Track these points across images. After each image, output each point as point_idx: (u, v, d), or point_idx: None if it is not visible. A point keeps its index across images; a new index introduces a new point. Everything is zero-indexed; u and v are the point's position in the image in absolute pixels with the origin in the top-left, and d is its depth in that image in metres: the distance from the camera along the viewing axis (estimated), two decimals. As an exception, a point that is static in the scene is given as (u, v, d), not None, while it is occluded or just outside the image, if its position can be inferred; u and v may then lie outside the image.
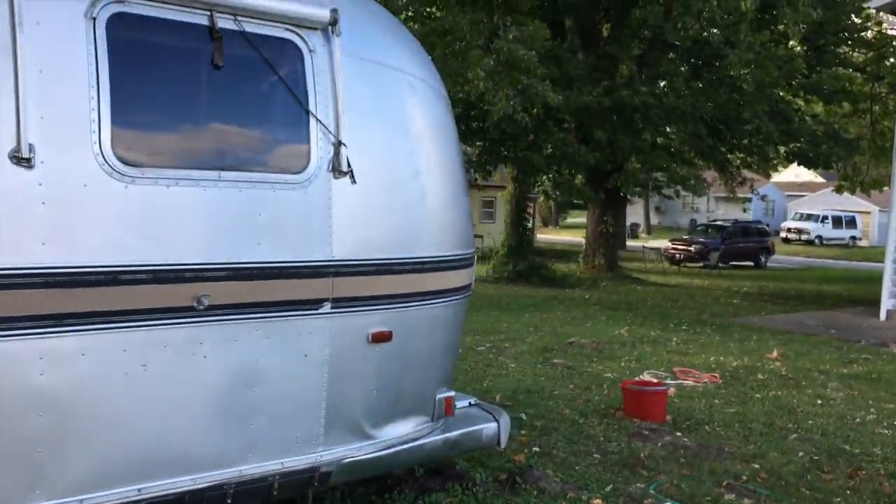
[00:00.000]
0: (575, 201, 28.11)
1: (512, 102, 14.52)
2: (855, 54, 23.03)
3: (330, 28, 3.74)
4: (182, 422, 3.41)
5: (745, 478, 5.42)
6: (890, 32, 22.29)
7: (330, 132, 3.72)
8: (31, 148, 2.97)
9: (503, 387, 7.79)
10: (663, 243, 32.37)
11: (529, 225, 23.70)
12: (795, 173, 54.72)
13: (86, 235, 3.11)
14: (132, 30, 3.27)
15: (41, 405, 3.06)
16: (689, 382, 8.39)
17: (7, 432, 3.00)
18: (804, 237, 47.73)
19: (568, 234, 47.05)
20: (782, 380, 8.75)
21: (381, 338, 3.93)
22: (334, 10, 3.72)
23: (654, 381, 7.81)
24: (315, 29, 3.72)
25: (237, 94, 3.60)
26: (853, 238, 48.74)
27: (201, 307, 3.36)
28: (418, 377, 4.22)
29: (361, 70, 3.93)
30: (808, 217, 49.43)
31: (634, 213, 49.90)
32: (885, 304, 14.80)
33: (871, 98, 22.68)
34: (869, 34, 22.06)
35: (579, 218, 42.72)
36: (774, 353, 10.28)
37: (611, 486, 5.16)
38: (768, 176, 35.41)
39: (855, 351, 11.12)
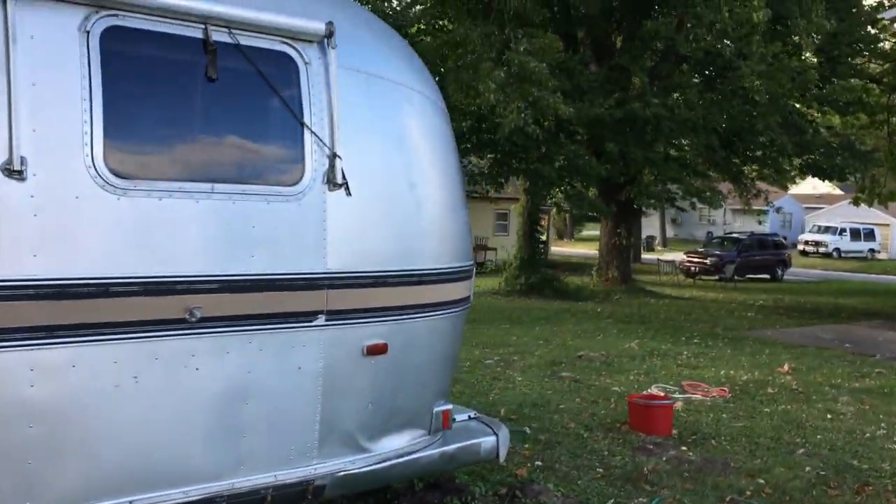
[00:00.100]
0: (589, 214, 28.01)
1: (523, 115, 14.52)
2: (872, 65, 22.87)
3: (325, 41, 3.75)
4: (174, 434, 3.41)
5: (749, 493, 5.36)
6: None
7: (325, 144, 3.72)
8: (23, 160, 2.98)
9: (509, 400, 7.75)
10: (679, 256, 32.21)
11: (543, 238, 23.68)
12: (813, 185, 54.27)
13: (77, 247, 3.12)
14: (126, 43, 3.29)
15: (32, 416, 3.07)
16: (698, 396, 8.31)
17: (-2, 443, 3.01)
18: (822, 250, 47.29)
19: (583, 246, 46.89)
20: (792, 394, 8.66)
21: (376, 350, 3.91)
22: (329, 23, 3.73)
23: (661, 394, 7.74)
24: (310, 41, 3.73)
25: (231, 107, 3.60)
26: (872, 251, 48.25)
27: (193, 319, 3.37)
28: (415, 390, 4.20)
29: (357, 82, 3.94)
30: (826, 229, 49.01)
31: (650, 226, 49.73)
32: (903, 317, 14.63)
33: (888, 109, 22.48)
34: (886, 45, 21.90)
35: (594, 230, 42.58)
36: (786, 367, 10.18)
37: (612, 500, 5.11)
38: (785, 188, 35.23)
39: (868, 365, 10.99)
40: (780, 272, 31.69)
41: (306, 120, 3.68)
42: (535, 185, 19.64)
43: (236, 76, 3.55)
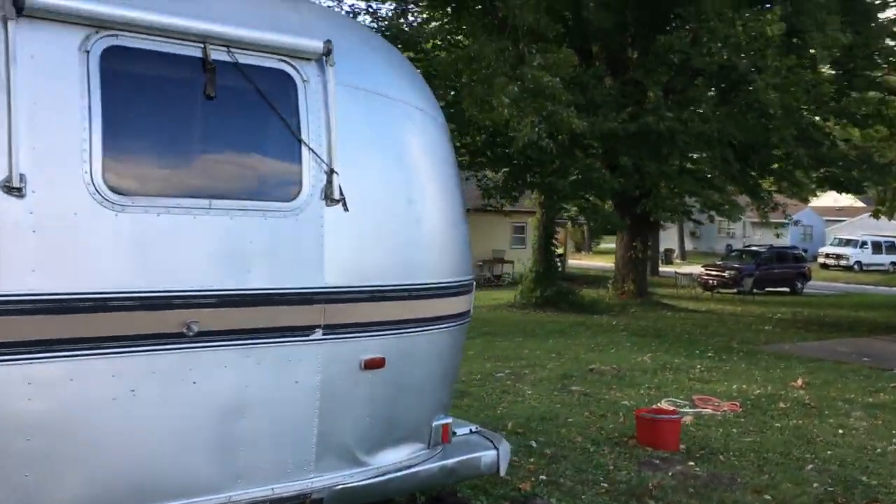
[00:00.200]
0: (606, 226, 27.94)
1: (537, 129, 14.55)
2: (892, 78, 22.66)
3: (324, 58, 3.80)
4: (171, 448, 3.44)
5: (754, 509, 5.33)
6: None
7: (322, 160, 3.76)
8: (22, 178, 3.04)
9: (517, 414, 7.74)
10: (697, 269, 32.02)
11: (560, 251, 23.63)
12: (834, 198, 53.75)
13: (76, 263, 3.17)
14: (125, 62, 3.35)
15: (30, 430, 3.11)
16: (708, 410, 8.26)
17: (-5, 456, 3.06)
18: (843, 263, 46.81)
19: (601, 259, 46.69)
20: (804, 408, 8.59)
21: (374, 364, 3.94)
22: (328, 41, 3.78)
23: (669, 408, 7.71)
24: (308, 59, 3.78)
25: (229, 124, 3.66)
26: (894, 264, 47.70)
27: (191, 333, 3.41)
28: (413, 404, 4.22)
29: (356, 99, 3.98)
30: (847, 242, 48.54)
31: (669, 239, 49.44)
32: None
33: (908, 122, 22.27)
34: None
35: (612, 243, 42.44)
36: (799, 382, 10.10)
37: (615, 515, 5.10)
38: (806, 201, 34.89)
39: (885, 379, 10.86)
40: (799, 285, 31.42)
41: (304, 136, 3.73)
42: (550, 198, 19.65)
43: (234, 94, 3.60)
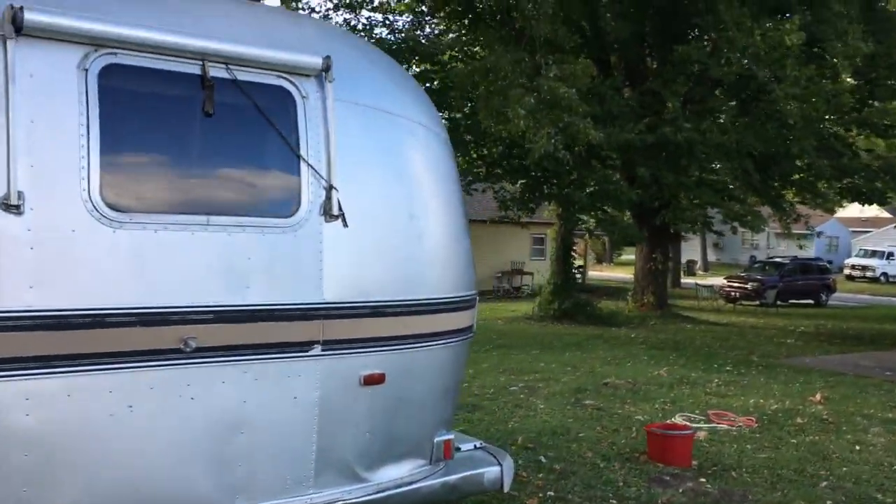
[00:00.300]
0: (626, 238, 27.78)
1: (553, 140, 14.50)
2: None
3: (323, 74, 3.81)
4: (168, 464, 3.45)
5: (764, 527, 5.25)
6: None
7: (321, 176, 3.77)
8: (20, 195, 3.07)
9: (528, 428, 7.70)
10: (720, 280, 31.74)
11: (579, 262, 23.54)
12: (860, 209, 53.09)
13: (73, 279, 3.19)
14: (124, 80, 3.38)
15: (27, 445, 3.13)
16: (723, 426, 8.16)
17: (-8, 471, 3.08)
18: (869, 274, 46.23)
19: (622, 270, 46.46)
20: (822, 424, 8.46)
21: (373, 380, 3.93)
22: (327, 58, 3.79)
23: (682, 424, 7.62)
24: (308, 76, 3.79)
25: (228, 140, 3.67)
26: (920, 275, 47.05)
27: (188, 349, 3.41)
28: (414, 420, 4.20)
29: (356, 115, 3.99)
30: (874, 254, 47.93)
31: (692, 250, 49.07)
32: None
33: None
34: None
35: (633, 255, 42.29)
36: (818, 396, 9.95)
37: (622, 533, 5.04)
38: (831, 211, 34.51)
39: (905, 394, 10.69)
40: (824, 297, 31.03)
41: (303, 152, 3.74)
42: (567, 210, 19.59)
43: (233, 110, 3.62)
